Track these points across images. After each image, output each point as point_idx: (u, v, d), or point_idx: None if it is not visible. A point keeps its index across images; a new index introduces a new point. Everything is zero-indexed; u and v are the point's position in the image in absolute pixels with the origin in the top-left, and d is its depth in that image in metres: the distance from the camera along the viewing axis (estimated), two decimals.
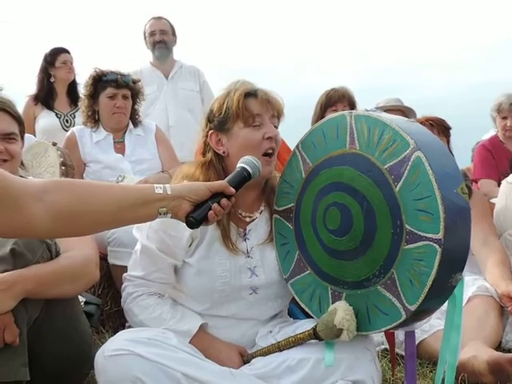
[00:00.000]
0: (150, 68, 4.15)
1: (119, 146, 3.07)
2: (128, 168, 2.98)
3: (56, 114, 3.96)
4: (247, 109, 1.63)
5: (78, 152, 3.03)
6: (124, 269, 1.79)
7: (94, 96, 3.04)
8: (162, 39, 4.10)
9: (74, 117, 4.02)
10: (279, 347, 1.57)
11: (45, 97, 4.00)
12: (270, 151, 1.64)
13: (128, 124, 3.13)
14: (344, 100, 3.47)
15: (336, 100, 3.45)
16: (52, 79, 3.99)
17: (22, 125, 1.90)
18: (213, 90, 4.13)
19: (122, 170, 2.95)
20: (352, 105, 3.51)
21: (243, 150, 1.61)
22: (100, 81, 3.02)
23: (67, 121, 3.99)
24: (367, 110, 1.49)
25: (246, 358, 1.63)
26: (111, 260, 2.57)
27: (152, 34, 4.12)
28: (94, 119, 3.08)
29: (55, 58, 3.98)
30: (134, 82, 3.12)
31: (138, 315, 1.64)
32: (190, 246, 1.65)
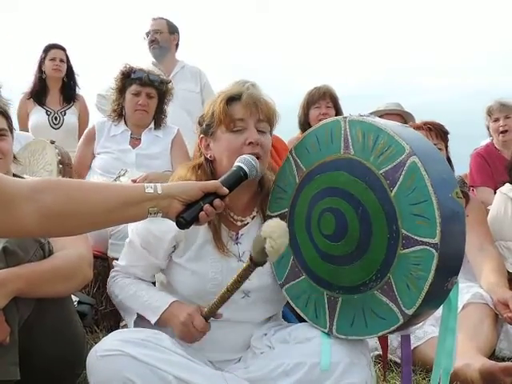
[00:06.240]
0: (152, 68, 4.18)
1: (136, 142, 3.15)
2: (132, 160, 3.03)
3: (46, 111, 3.96)
4: (228, 113, 1.61)
5: (92, 147, 3.14)
6: None
7: (121, 91, 3.12)
8: (154, 38, 4.17)
9: (65, 114, 4.01)
10: (228, 290, 1.47)
11: (37, 93, 4.00)
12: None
13: (151, 124, 3.18)
14: (326, 97, 3.52)
15: (318, 98, 3.50)
16: (43, 75, 4.00)
17: (10, 119, 1.90)
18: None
19: (126, 163, 3.00)
20: (335, 101, 3.55)
21: (226, 155, 1.61)
22: (128, 77, 3.09)
23: (56, 118, 3.98)
24: (361, 115, 1.48)
25: (204, 315, 1.55)
26: (111, 253, 2.60)
27: (147, 34, 4.20)
28: (118, 114, 3.16)
29: (46, 54, 3.99)
30: (163, 82, 3.16)
31: (118, 295, 1.70)
32: (174, 247, 1.65)
